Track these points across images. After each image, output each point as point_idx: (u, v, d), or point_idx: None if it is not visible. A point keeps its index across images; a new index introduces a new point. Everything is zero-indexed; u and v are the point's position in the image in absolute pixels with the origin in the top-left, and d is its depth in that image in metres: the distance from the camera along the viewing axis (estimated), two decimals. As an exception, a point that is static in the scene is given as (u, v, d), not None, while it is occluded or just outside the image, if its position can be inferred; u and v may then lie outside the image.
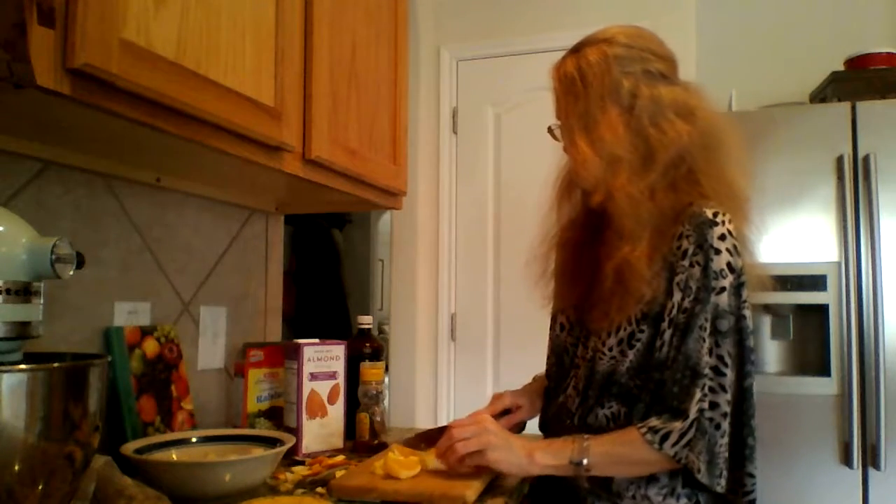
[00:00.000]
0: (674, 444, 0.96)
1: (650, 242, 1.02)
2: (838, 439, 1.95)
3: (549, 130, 1.15)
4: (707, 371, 0.99)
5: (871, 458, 1.92)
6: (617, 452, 1.01)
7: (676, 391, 0.98)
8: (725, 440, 0.98)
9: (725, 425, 0.98)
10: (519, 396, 1.28)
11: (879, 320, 1.93)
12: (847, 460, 1.93)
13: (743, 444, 1.01)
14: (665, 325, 1.01)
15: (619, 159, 1.05)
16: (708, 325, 0.99)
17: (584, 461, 0.99)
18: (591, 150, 1.06)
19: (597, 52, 1.07)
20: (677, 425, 0.97)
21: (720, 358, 0.99)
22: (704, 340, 0.99)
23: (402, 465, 1.08)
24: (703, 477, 0.97)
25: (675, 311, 1.01)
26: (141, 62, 0.86)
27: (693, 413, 0.97)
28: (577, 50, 1.11)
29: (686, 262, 1.01)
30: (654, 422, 0.99)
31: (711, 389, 0.99)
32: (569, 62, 1.10)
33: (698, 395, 0.98)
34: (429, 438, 1.14)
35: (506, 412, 1.26)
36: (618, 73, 1.06)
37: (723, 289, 1.00)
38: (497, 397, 1.27)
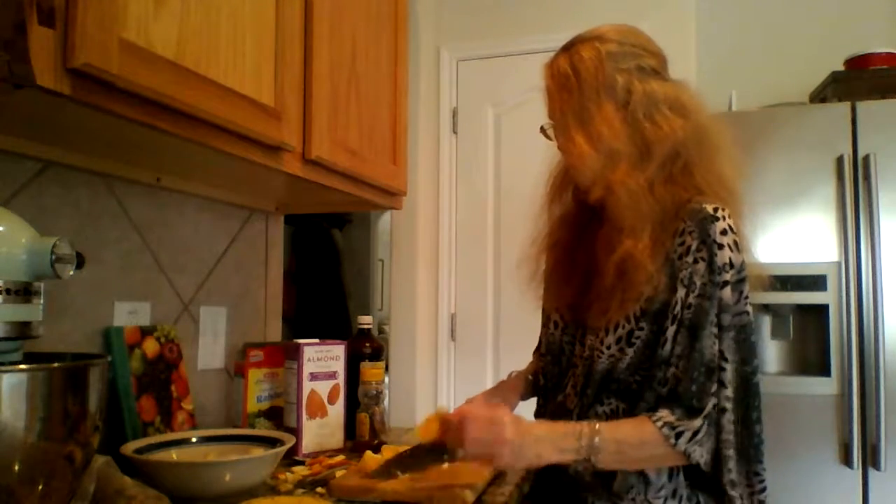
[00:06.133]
0: (687, 441, 0.96)
1: (652, 236, 1.02)
2: (838, 439, 1.95)
3: (542, 130, 1.15)
4: (717, 366, 0.98)
5: (871, 458, 1.92)
6: (628, 449, 0.98)
7: (695, 389, 0.98)
8: (730, 437, 0.97)
9: (725, 420, 0.97)
10: (491, 397, 1.27)
11: (879, 320, 1.93)
12: (847, 460, 1.93)
13: (750, 441, 1.01)
14: (669, 321, 1.01)
15: (616, 153, 1.05)
16: (716, 320, 0.99)
17: (592, 458, 0.98)
18: (589, 144, 1.06)
19: (589, 49, 1.07)
20: (695, 423, 0.96)
21: (721, 353, 0.99)
22: (715, 336, 0.99)
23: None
24: (707, 466, 0.97)
25: (679, 308, 1.00)
26: (141, 62, 0.86)
27: (709, 410, 0.97)
28: (568, 48, 1.11)
29: (690, 259, 1.00)
30: (669, 417, 0.97)
31: (720, 383, 0.98)
32: (561, 59, 1.10)
33: (714, 391, 0.98)
34: (401, 464, 1.06)
35: None
36: (611, 69, 1.06)
37: (725, 283, 1.00)
38: (469, 402, 1.21)
